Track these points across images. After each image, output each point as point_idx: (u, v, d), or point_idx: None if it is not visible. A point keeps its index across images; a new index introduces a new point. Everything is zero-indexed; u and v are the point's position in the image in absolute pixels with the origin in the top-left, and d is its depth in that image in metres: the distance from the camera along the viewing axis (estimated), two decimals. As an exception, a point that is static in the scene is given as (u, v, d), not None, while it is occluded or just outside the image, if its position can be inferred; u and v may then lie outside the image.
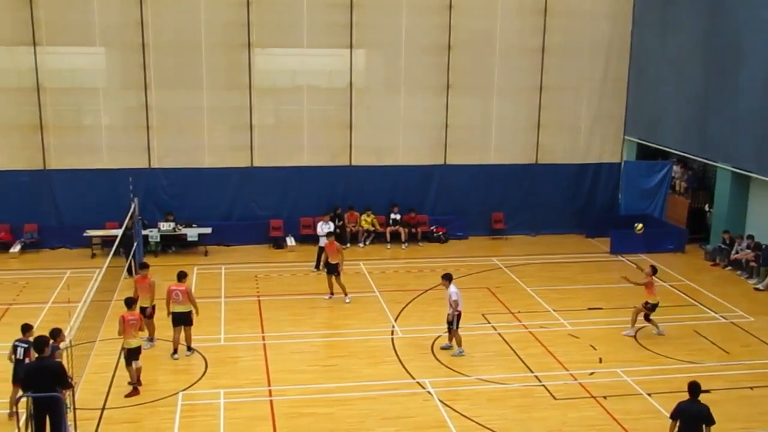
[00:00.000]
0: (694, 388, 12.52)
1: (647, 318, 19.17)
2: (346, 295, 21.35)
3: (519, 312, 20.73)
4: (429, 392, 16.16)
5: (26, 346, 14.22)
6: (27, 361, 14.00)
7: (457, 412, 15.32)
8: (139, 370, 15.96)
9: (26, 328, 14.61)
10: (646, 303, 19.06)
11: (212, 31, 25.65)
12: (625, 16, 27.75)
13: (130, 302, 16.25)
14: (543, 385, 16.55)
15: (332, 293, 21.50)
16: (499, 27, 27.13)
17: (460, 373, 17.05)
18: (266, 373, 17.03)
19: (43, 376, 12.60)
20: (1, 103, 25.39)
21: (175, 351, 17.72)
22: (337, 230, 25.21)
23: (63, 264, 24.40)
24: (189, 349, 17.85)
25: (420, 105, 27.31)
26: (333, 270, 21.25)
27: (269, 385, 16.46)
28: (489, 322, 20.01)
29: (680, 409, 12.45)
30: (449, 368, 17.30)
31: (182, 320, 17.60)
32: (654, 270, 19.36)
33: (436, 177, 27.58)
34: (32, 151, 25.58)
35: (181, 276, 17.87)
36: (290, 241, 26.45)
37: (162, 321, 18.23)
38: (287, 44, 26.54)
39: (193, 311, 17.75)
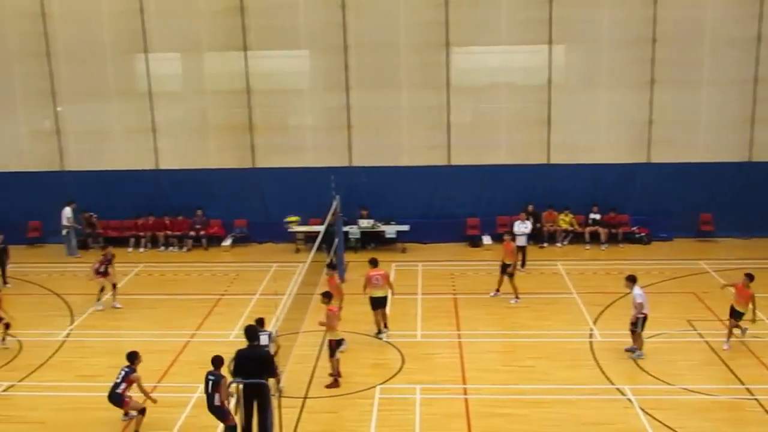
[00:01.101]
0: None
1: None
2: (516, 297, 21.13)
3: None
4: (629, 399, 15.55)
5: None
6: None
7: (659, 421, 14.63)
8: (337, 361, 16.43)
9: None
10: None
11: (411, 31, 26.00)
12: None
13: (329, 296, 16.78)
14: (755, 399, 15.47)
15: (498, 290, 21.46)
16: (709, 16, 25.63)
17: (664, 381, 16.27)
18: (461, 371, 17.04)
19: (253, 363, 13.29)
20: (215, 106, 27.05)
21: (379, 331, 18.71)
22: (534, 230, 24.91)
23: (269, 257, 25.63)
24: (385, 326, 18.75)
25: (621, 101, 26.35)
26: (505, 270, 21.14)
27: (464, 383, 16.46)
28: (695, 329, 18.98)
29: None
30: (652, 375, 16.56)
31: (381, 304, 18.62)
32: (750, 277, 17.86)
33: (638, 175, 26.49)
34: (242, 150, 27.06)
35: (375, 262, 18.94)
36: (486, 239, 26.35)
37: (354, 316, 18.84)
38: (485, 42, 26.43)
39: (389, 294, 18.74)
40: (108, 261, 21.50)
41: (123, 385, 14.61)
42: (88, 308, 21.32)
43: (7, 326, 18.83)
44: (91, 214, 27.12)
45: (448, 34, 25.89)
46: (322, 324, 16.55)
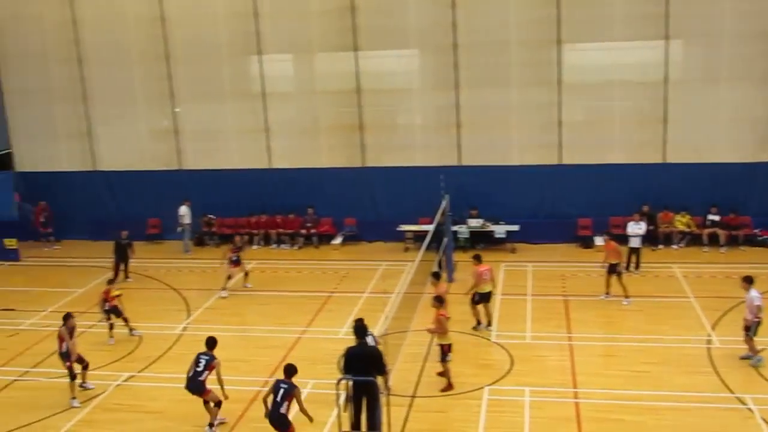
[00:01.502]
0: None
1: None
2: (627, 297, 20.62)
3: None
4: (750, 409, 14.90)
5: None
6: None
7: (784, 432, 14.01)
8: (448, 365, 16.21)
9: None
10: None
11: (521, 28, 25.64)
12: None
13: (441, 301, 16.60)
14: None
15: (608, 292, 20.97)
16: None
17: (788, 391, 15.56)
18: (572, 374, 16.73)
19: (362, 360, 13.39)
20: (326, 106, 27.39)
21: (479, 323, 19.06)
22: (649, 231, 24.25)
23: (378, 256, 25.79)
24: (489, 324, 19.06)
25: (743, 97, 25.14)
26: (612, 270, 20.68)
27: (575, 387, 16.14)
28: (822, 337, 18.02)
29: None
30: (775, 384, 15.86)
31: (487, 298, 19.01)
32: None
33: (761, 175, 25.23)
34: (352, 149, 27.31)
35: (480, 258, 19.32)
36: (599, 240, 25.70)
37: (463, 316, 18.94)
38: (598, 38, 25.79)
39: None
40: (239, 249, 23.03)
41: (206, 373, 14.74)
42: (204, 303, 22.00)
43: (126, 319, 19.67)
44: (210, 216, 27.90)
45: (559, 31, 25.41)
46: (431, 331, 16.45)
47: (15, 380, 17.36)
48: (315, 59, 27.53)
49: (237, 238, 23.68)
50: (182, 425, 15.35)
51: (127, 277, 24.41)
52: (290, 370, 13.79)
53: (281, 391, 13.53)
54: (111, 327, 19.56)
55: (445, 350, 16.14)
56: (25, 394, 16.95)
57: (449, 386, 16.16)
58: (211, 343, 15.13)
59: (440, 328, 16.10)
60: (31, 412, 16.00)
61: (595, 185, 26.05)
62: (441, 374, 16.42)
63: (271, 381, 15.87)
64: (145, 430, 15.27)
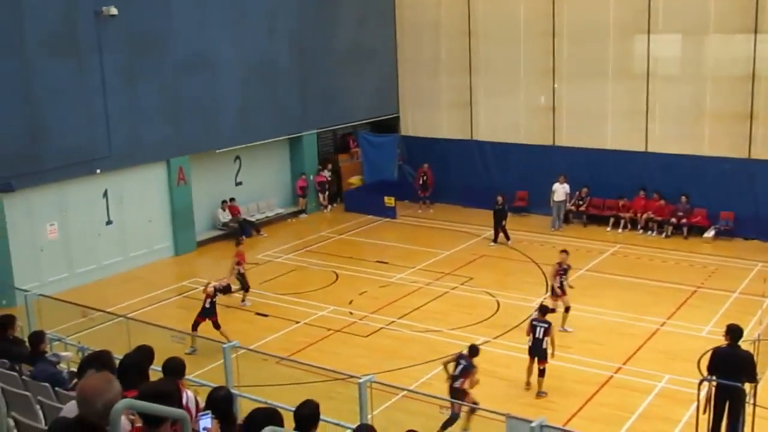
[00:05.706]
0: None
1: None
2: None
3: None
4: None
5: (546, 326, 15.53)
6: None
7: None
8: None
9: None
10: None
11: None
12: None
13: None
14: None
15: None
16: None
17: None
18: None
19: (731, 364, 12.58)
20: (714, 91, 25.73)
21: None
22: None
23: (754, 255, 23.83)
24: None
25: None
26: None
27: None
28: None
29: None
30: None
31: None
32: None
33: None
34: (736, 138, 25.42)
35: None
36: None
37: None
38: None
39: None
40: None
41: (461, 380, 14.12)
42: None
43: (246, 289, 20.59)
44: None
45: None
46: None
47: (381, 328, 18.78)
48: (707, 41, 25.91)
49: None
50: (530, 395, 15.66)
51: (507, 238, 25.43)
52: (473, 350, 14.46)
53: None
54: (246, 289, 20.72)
55: None
56: (389, 342, 18.30)
57: None
58: (473, 351, 14.45)
59: None
60: (391, 360, 17.26)
61: None
62: None
63: (625, 369, 15.59)
64: (494, 395, 15.62)
